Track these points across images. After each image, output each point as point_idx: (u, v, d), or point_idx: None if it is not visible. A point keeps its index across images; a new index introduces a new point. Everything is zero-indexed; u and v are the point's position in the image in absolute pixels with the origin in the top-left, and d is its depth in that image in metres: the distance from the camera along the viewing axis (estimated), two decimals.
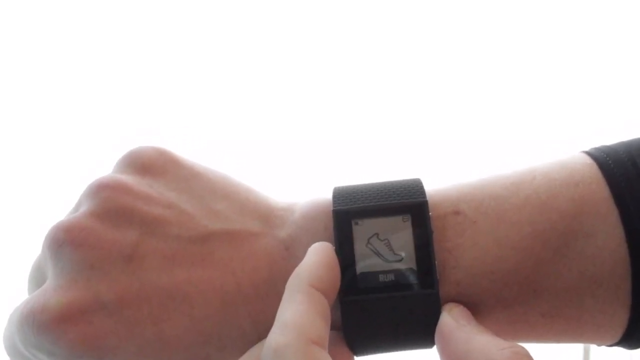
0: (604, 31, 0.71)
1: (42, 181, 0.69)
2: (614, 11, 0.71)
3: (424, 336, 0.26)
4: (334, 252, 0.25)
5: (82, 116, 0.72)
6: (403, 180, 0.28)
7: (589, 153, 0.28)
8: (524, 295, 0.26)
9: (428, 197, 0.27)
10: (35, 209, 0.67)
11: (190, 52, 0.72)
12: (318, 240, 0.27)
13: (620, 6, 0.71)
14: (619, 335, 0.27)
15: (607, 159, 0.27)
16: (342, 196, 0.27)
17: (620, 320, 0.27)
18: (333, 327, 0.26)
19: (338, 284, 0.25)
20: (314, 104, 0.74)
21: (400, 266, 0.26)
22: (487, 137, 0.72)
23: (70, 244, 0.26)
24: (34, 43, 0.70)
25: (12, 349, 0.27)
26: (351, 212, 0.27)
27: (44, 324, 0.25)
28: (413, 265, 0.26)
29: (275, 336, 0.22)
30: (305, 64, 0.73)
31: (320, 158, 0.71)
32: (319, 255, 0.25)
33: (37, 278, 0.28)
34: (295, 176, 0.70)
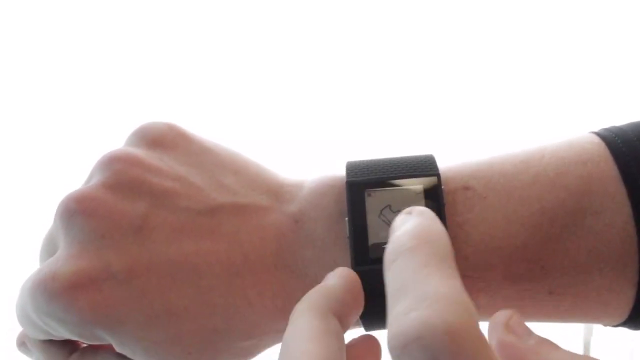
0: (615, 21, 0.71)
1: (39, 179, 0.70)
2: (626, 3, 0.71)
3: None
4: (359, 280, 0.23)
5: (81, 112, 0.72)
6: (416, 156, 0.28)
7: (597, 133, 0.28)
8: (531, 271, 0.26)
9: (440, 172, 0.27)
10: (32, 207, 0.67)
11: (189, 48, 0.72)
12: (328, 214, 0.27)
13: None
14: (625, 314, 0.27)
15: (616, 138, 0.27)
16: (355, 169, 0.28)
17: (628, 298, 0.27)
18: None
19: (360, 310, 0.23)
20: (314, 95, 0.74)
21: None
22: (494, 123, 0.72)
23: (81, 214, 0.26)
24: (32, 38, 0.70)
25: (24, 318, 0.27)
26: (364, 183, 0.27)
27: (56, 291, 0.25)
28: None
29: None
30: (306, 55, 0.73)
31: (324, 146, 0.71)
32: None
33: (49, 249, 0.28)
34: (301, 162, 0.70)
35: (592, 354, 0.71)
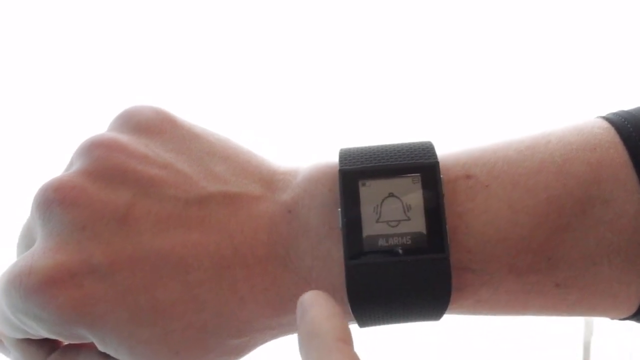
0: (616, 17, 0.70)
1: (31, 172, 0.68)
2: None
3: (432, 305, 0.25)
4: (332, 300, 0.23)
5: (75, 105, 0.70)
6: (413, 142, 0.27)
7: (606, 117, 0.27)
8: (538, 263, 0.25)
9: (439, 160, 0.26)
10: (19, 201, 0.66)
11: (185, 47, 0.71)
12: (323, 204, 0.26)
13: None
14: (634, 307, 0.26)
15: (626, 122, 0.26)
16: (349, 156, 0.26)
17: (637, 290, 0.25)
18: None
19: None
20: (312, 90, 0.73)
21: (409, 229, 0.25)
22: (496, 105, 0.71)
23: (60, 204, 0.25)
24: (27, 37, 0.69)
25: None
26: (358, 172, 0.25)
27: (32, 287, 0.24)
28: (423, 228, 0.25)
29: None
30: (303, 47, 0.72)
31: (324, 129, 0.70)
32: (326, 308, 0.22)
33: (27, 242, 0.27)
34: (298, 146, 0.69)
35: (592, 354, 0.71)
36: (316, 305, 0.22)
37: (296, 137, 0.72)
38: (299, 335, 0.21)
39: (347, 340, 0.21)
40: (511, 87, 0.72)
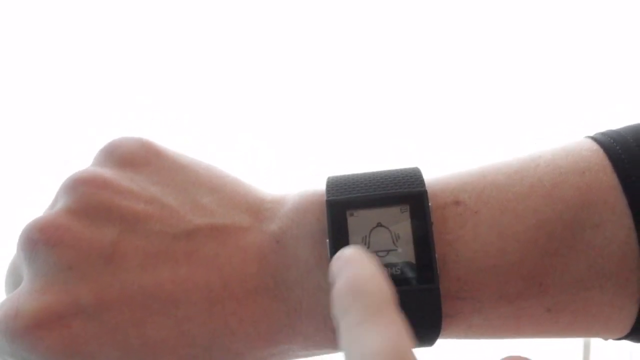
0: (610, 22, 0.70)
1: (25, 181, 0.68)
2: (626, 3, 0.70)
3: (424, 334, 0.25)
4: (374, 259, 0.21)
5: (68, 114, 0.70)
6: (400, 169, 0.26)
7: (594, 138, 0.27)
8: (528, 289, 0.25)
9: (427, 187, 0.25)
10: (17, 209, 0.66)
11: (181, 49, 0.71)
12: (311, 234, 0.26)
13: None
14: (627, 328, 0.26)
15: (614, 144, 0.26)
16: (336, 186, 0.26)
17: (629, 313, 0.25)
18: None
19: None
20: (306, 97, 0.72)
21: (399, 259, 0.25)
22: (485, 126, 0.71)
23: (45, 244, 0.24)
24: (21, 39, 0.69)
25: None
26: (346, 202, 0.25)
27: (18, 330, 0.23)
28: (412, 258, 0.24)
29: None
30: (295, 59, 0.72)
31: (313, 152, 0.70)
32: (372, 266, 0.20)
33: (14, 280, 0.26)
34: (287, 170, 0.69)
35: (592, 355, 0.71)
36: (360, 261, 0.20)
37: (287, 146, 0.72)
38: (336, 291, 0.19)
39: (394, 304, 0.18)
40: (503, 100, 0.72)
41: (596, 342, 0.68)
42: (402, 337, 0.17)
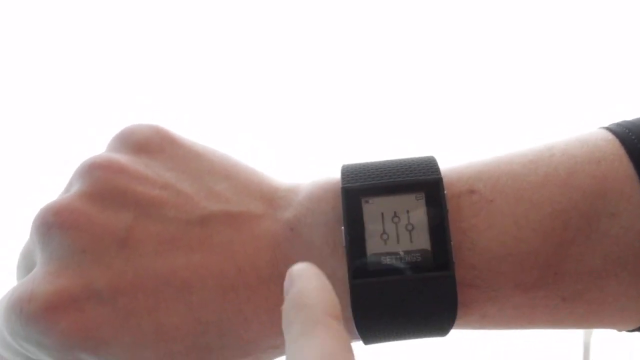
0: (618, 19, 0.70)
1: (33, 174, 0.68)
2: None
3: (438, 322, 0.25)
4: (323, 273, 0.21)
5: (76, 108, 0.70)
6: (416, 158, 0.26)
7: (609, 128, 0.27)
8: (544, 278, 0.25)
9: (442, 175, 0.25)
10: (28, 201, 0.65)
11: (184, 48, 0.71)
12: (326, 221, 0.25)
13: None
14: None
15: (630, 134, 0.26)
16: (352, 173, 0.26)
17: None
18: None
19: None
20: (316, 92, 0.72)
21: (414, 247, 0.24)
22: (496, 122, 0.71)
23: (59, 227, 0.24)
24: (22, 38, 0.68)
25: (0, 341, 0.25)
26: (361, 189, 0.25)
27: (32, 313, 0.23)
28: (427, 246, 0.24)
29: None
30: (305, 54, 0.72)
31: (326, 143, 0.70)
32: (316, 280, 0.20)
33: (26, 265, 0.26)
34: (301, 160, 0.69)
35: (592, 355, 0.71)
36: (306, 276, 0.20)
37: (297, 140, 0.72)
38: (284, 306, 0.20)
39: (336, 315, 0.19)
40: (515, 93, 0.72)
41: (596, 343, 0.68)
42: (339, 348, 0.18)
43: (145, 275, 0.24)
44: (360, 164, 0.27)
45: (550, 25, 0.71)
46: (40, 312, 0.23)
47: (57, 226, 0.24)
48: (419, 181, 0.25)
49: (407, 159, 0.26)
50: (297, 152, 0.71)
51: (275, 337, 0.26)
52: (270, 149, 0.70)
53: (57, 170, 0.65)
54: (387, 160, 0.27)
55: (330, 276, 0.25)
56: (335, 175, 0.27)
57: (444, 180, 0.25)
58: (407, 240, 0.25)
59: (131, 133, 0.27)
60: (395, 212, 0.25)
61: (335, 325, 0.19)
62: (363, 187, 0.25)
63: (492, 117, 0.72)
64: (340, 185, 0.26)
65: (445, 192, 0.25)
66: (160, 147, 0.27)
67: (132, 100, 0.70)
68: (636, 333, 0.28)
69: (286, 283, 0.21)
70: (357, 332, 0.25)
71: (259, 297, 0.25)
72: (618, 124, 0.27)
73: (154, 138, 0.27)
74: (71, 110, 0.70)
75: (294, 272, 0.21)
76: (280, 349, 0.27)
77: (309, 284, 0.20)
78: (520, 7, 0.72)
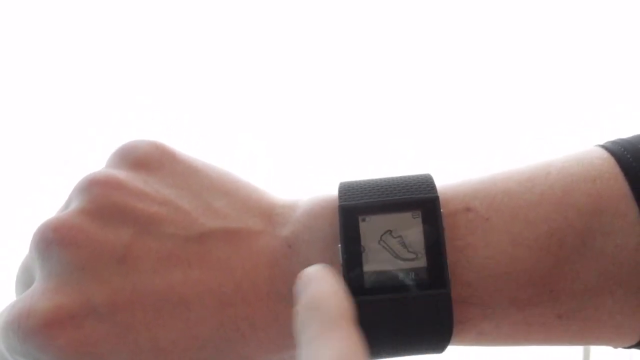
0: (614, 25, 0.70)
1: (36, 181, 0.68)
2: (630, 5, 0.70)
3: (435, 340, 0.25)
4: (336, 277, 0.21)
5: (78, 115, 0.70)
6: (412, 176, 0.27)
7: (605, 147, 0.27)
8: (539, 296, 0.25)
9: (438, 193, 0.26)
10: (29, 209, 0.65)
11: (187, 50, 0.71)
12: (323, 238, 0.26)
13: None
14: (637, 336, 0.26)
15: (625, 152, 0.26)
16: (349, 191, 0.26)
17: None
18: None
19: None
20: (316, 100, 0.72)
21: (410, 265, 0.25)
22: (494, 133, 0.71)
23: (58, 244, 0.24)
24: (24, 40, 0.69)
25: None
26: (358, 207, 0.25)
27: (30, 329, 0.23)
28: (423, 264, 0.25)
29: None
30: (307, 57, 0.72)
31: (324, 157, 0.70)
32: (330, 282, 0.21)
33: (25, 280, 0.26)
34: (299, 175, 0.69)
35: (592, 354, 0.70)
36: (320, 279, 0.21)
37: (295, 151, 0.72)
38: (298, 308, 0.20)
39: (350, 318, 0.19)
40: (513, 105, 0.72)
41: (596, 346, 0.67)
42: (354, 350, 0.18)
43: (143, 292, 0.24)
44: (357, 182, 0.27)
45: (547, 32, 0.72)
46: (38, 329, 0.23)
47: (56, 243, 0.24)
48: (416, 199, 0.25)
49: (404, 177, 0.27)
50: (295, 162, 0.71)
51: (272, 353, 0.26)
52: (268, 160, 0.71)
53: (57, 170, 0.65)
54: (384, 178, 0.27)
55: None
56: (333, 192, 0.27)
57: (440, 198, 0.25)
58: (403, 258, 0.25)
59: (130, 149, 0.27)
60: (391, 230, 0.25)
61: (350, 327, 0.19)
62: (360, 205, 0.25)
63: (490, 127, 0.72)
64: (336, 202, 0.26)
65: (441, 210, 0.25)
66: (160, 163, 0.27)
67: (132, 101, 0.70)
68: (633, 350, 0.28)
69: (298, 285, 0.21)
70: None
71: (257, 314, 0.25)
72: (614, 142, 0.27)
73: (153, 154, 0.27)
74: (71, 111, 0.70)
75: (307, 274, 0.21)
76: None
77: (324, 286, 0.20)
78: (519, 13, 0.72)
